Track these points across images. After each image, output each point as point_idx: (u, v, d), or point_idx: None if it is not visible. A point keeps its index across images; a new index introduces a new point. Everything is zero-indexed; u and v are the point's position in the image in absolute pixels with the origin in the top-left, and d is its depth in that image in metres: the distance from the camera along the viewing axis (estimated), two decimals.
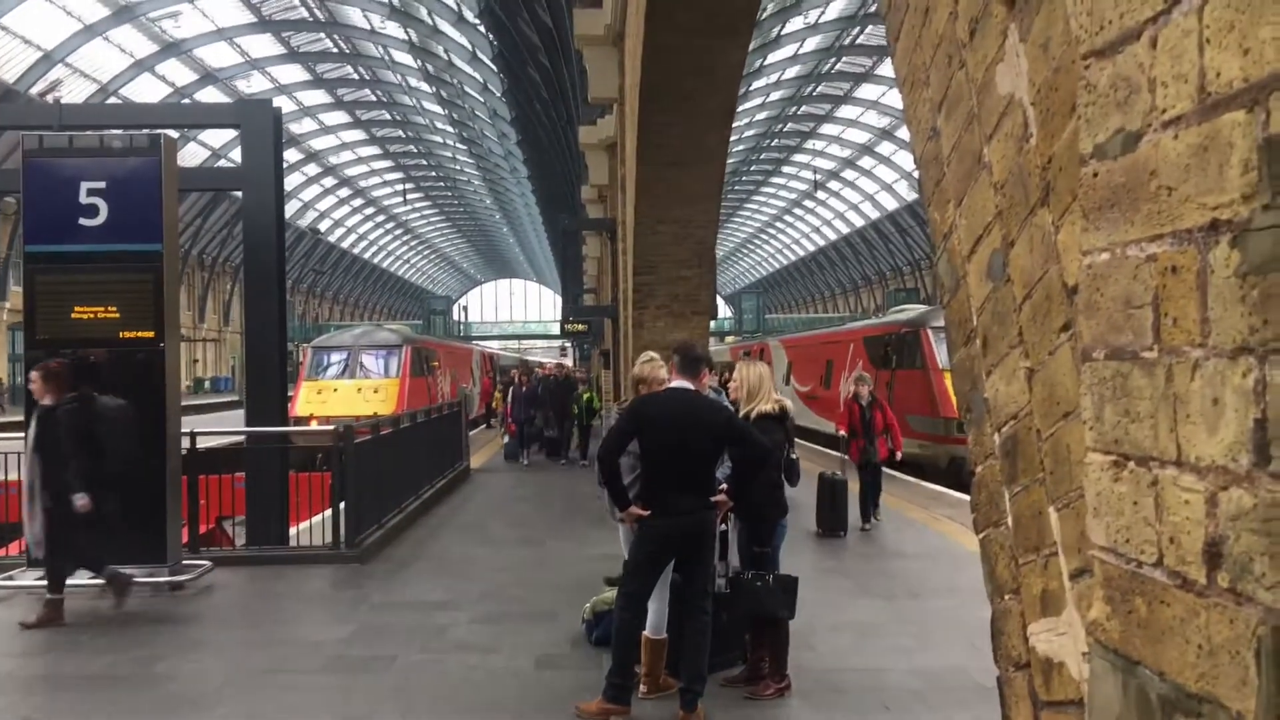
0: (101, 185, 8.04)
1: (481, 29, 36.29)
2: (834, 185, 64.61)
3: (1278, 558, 0.89)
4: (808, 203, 70.82)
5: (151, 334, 8.05)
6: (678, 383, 5.20)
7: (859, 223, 66.52)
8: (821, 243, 75.86)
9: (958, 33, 1.86)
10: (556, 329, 50.57)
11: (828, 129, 56.78)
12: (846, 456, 11.56)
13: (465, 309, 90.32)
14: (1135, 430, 1.15)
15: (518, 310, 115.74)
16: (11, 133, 23.37)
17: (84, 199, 8.02)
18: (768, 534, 5.71)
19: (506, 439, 19.59)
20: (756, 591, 5.41)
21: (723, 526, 5.65)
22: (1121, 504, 1.18)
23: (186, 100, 43.36)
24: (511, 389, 20.21)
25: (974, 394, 1.94)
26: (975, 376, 1.93)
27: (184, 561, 8.22)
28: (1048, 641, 1.61)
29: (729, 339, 56.63)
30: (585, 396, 18.99)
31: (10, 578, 7.83)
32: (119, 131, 9.22)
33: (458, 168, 69.91)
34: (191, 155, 45.85)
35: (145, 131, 8.82)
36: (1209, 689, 0.98)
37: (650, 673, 5.25)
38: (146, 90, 42.63)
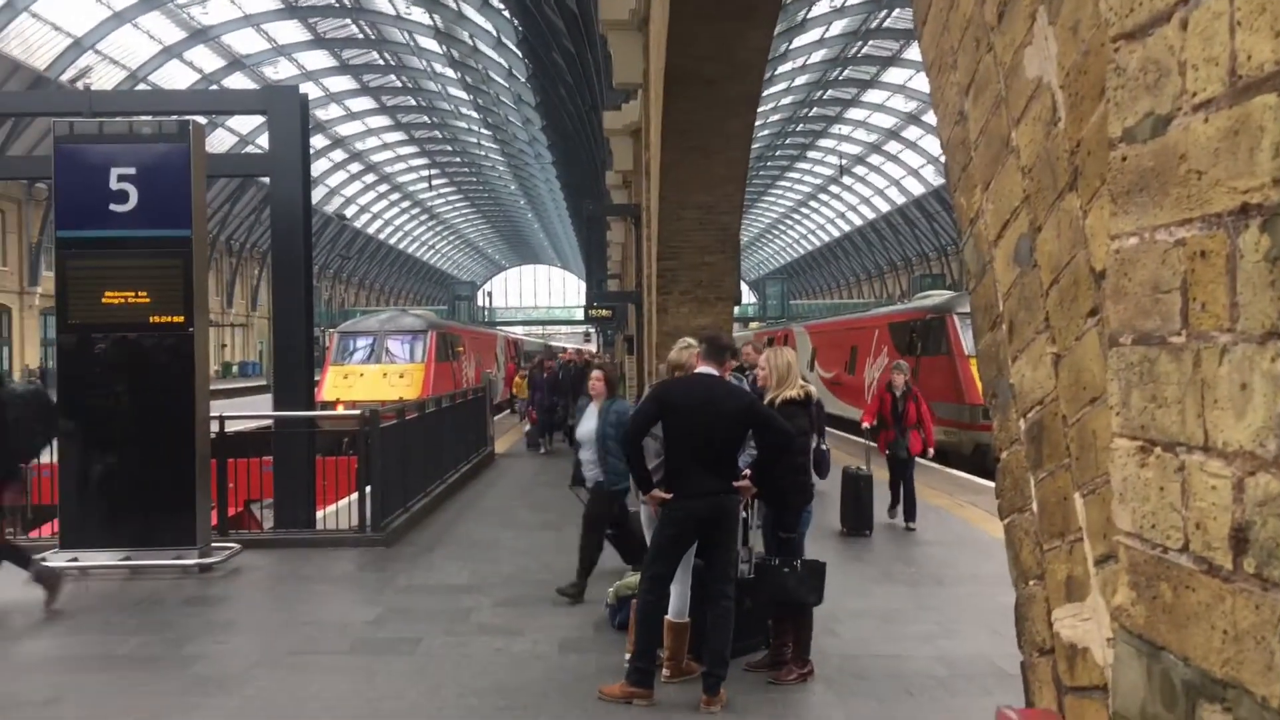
0: (131, 171, 8.12)
1: (506, 13, 36.26)
2: (860, 170, 64.18)
3: None
4: (833, 188, 70.40)
5: (181, 319, 8.13)
6: (702, 369, 5.23)
7: (885, 208, 66.07)
8: (847, 228, 75.43)
9: (986, 15, 1.85)
10: (581, 314, 50.63)
11: (854, 113, 56.37)
12: (873, 445, 10.89)
13: (490, 294, 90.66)
14: (1162, 416, 1.15)
15: (542, 296, 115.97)
16: (43, 119, 23.62)
17: (114, 185, 8.10)
18: (793, 520, 5.71)
19: (529, 426, 19.43)
20: (784, 577, 5.41)
21: (744, 513, 5.66)
22: (1148, 489, 1.18)
23: (214, 86, 43.65)
24: (532, 374, 19.88)
25: (999, 380, 1.94)
26: (1001, 362, 1.92)
27: (213, 544, 8.32)
28: (1072, 627, 1.61)
29: (753, 324, 56.47)
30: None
31: (43, 559, 7.96)
32: (148, 118, 9.30)
33: (482, 153, 70.01)
34: (219, 141, 46.16)
35: (174, 118, 8.89)
36: (1234, 674, 0.98)
37: (673, 656, 5.27)
38: (175, 76, 42.94)
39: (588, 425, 7.27)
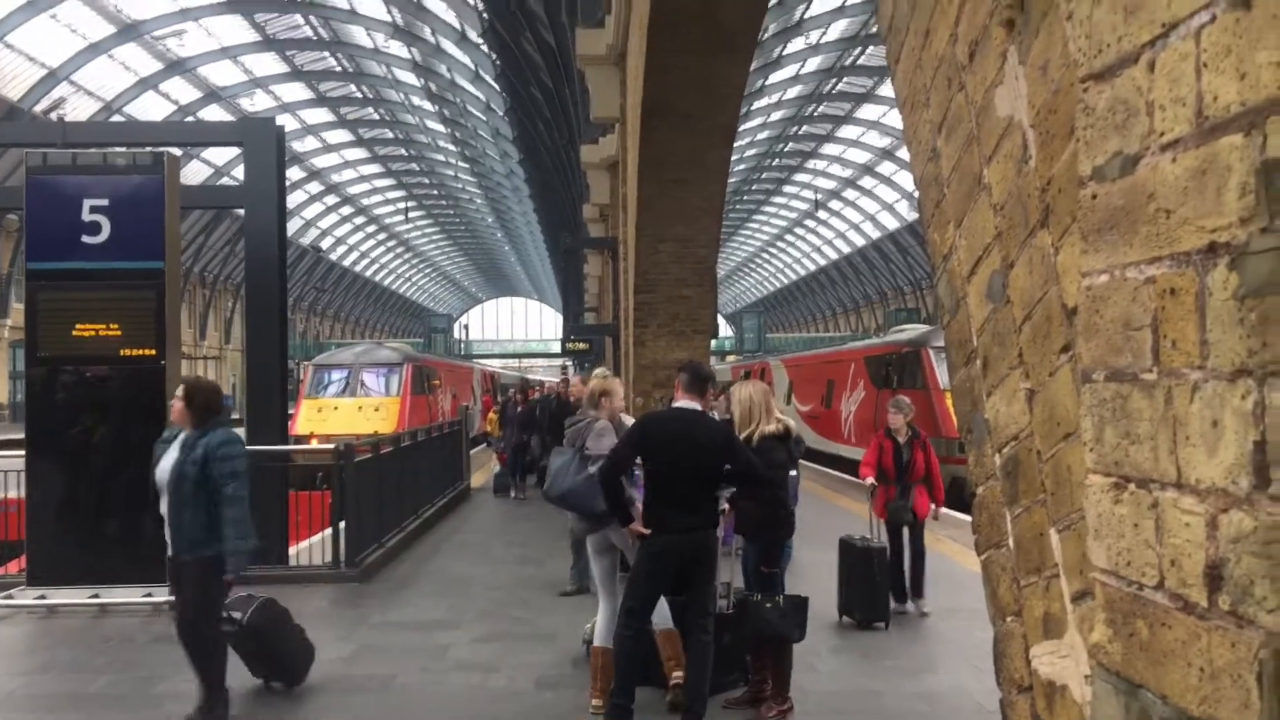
0: (104, 203, 8.08)
1: (484, 48, 36.50)
2: (835, 205, 64.78)
3: (1279, 580, 0.89)
4: (809, 222, 70.98)
5: (153, 351, 8.07)
6: (682, 402, 5.21)
7: (860, 242, 66.66)
8: (823, 262, 76.00)
9: (958, 55, 1.87)
10: (558, 347, 50.63)
11: (829, 149, 56.99)
12: (870, 507, 8.29)
13: (466, 327, 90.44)
14: (1135, 452, 1.15)
15: (519, 329, 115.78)
16: (15, 150, 23.48)
17: (87, 216, 8.05)
18: (776, 554, 5.69)
19: (497, 469, 16.92)
20: (766, 612, 5.37)
21: (724, 546, 5.64)
22: (1122, 526, 1.18)
23: (190, 118, 43.56)
24: (505, 408, 17.65)
25: (974, 415, 1.94)
26: (976, 397, 1.93)
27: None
28: (1050, 664, 1.61)
29: (730, 358, 56.62)
30: None
31: (10, 596, 7.81)
32: (122, 149, 9.27)
33: (460, 186, 70.14)
34: (194, 173, 46.00)
35: (149, 149, 8.86)
36: (1211, 712, 0.98)
37: (675, 657, 5.23)
38: (150, 108, 42.82)
39: (165, 464, 5.32)
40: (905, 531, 7.90)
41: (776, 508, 5.64)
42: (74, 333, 8.04)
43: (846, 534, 7.77)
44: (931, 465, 7.99)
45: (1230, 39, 0.96)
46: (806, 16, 37.90)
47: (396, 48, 44.81)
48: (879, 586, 7.33)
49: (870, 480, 7.92)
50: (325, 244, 68.33)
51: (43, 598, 7.78)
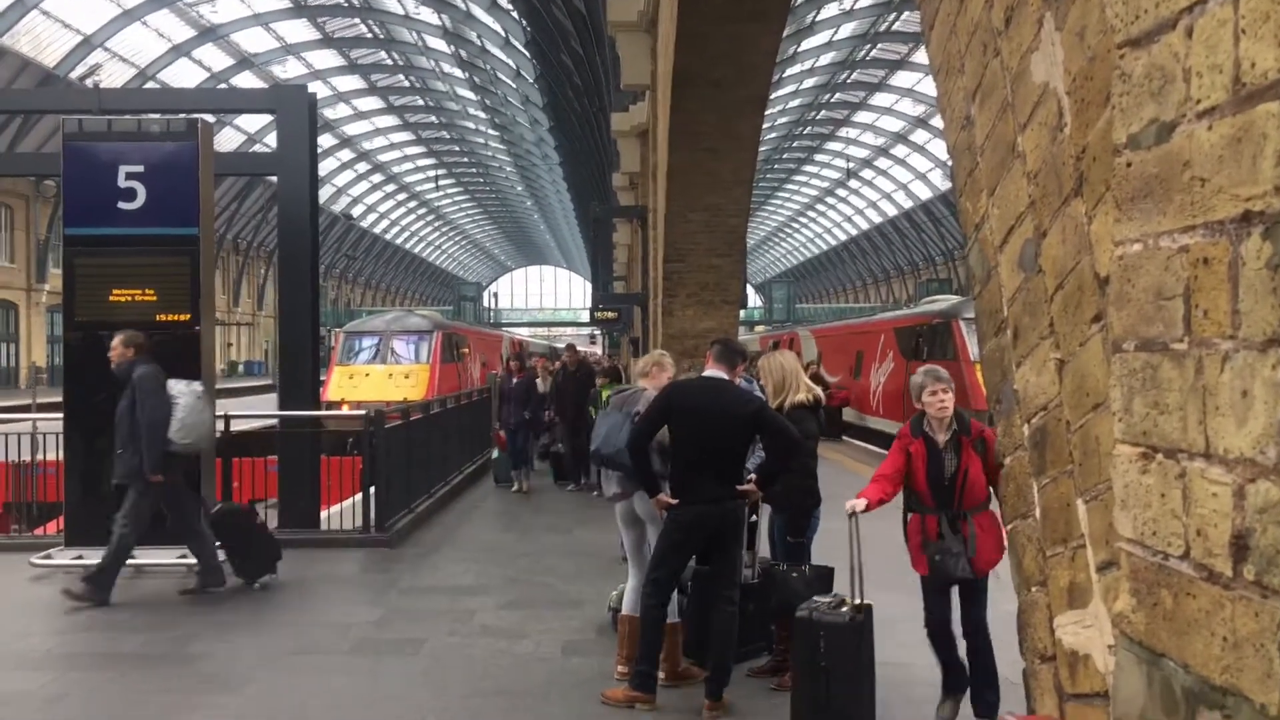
0: (139, 169, 8.13)
1: (514, 14, 36.30)
2: (867, 174, 64.10)
3: None
4: (840, 191, 70.34)
5: (188, 317, 8.15)
6: (711, 371, 5.23)
7: (892, 212, 66.00)
8: (854, 232, 75.35)
9: (993, 21, 1.85)
10: (586, 316, 50.69)
11: (862, 116, 56.31)
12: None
13: (496, 295, 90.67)
14: (1164, 422, 1.15)
15: (548, 297, 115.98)
16: (52, 116, 23.71)
17: (122, 182, 8.11)
18: (803, 524, 5.69)
19: (495, 454, 13.83)
20: (792, 582, 5.38)
21: (753, 518, 5.65)
22: (1149, 496, 1.18)
23: (223, 85, 43.74)
24: (499, 381, 14.58)
25: (1004, 385, 1.94)
26: (1005, 367, 1.92)
27: (218, 544, 8.34)
28: (1074, 634, 1.61)
29: (758, 328, 56.44)
30: (605, 394, 12.73)
31: (48, 556, 7.98)
32: (157, 116, 9.33)
33: (490, 154, 70.05)
34: (227, 140, 46.26)
35: (183, 116, 8.91)
36: (1233, 681, 0.98)
37: (668, 658, 5.26)
38: (184, 75, 43.04)
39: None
40: (955, 592, 4.84)
41: (805, 478, 5.63)
42: (110, 298, 8.13)
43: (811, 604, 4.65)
44: (989, 469, 4.55)
45: (1269, 5, 0.94)
46: None
47: (427, 14, 44.66)
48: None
49: (861, 504, 4.65)
50: (356, 211, 68.61)
51: (80, 558, 7.93)
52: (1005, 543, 4.21)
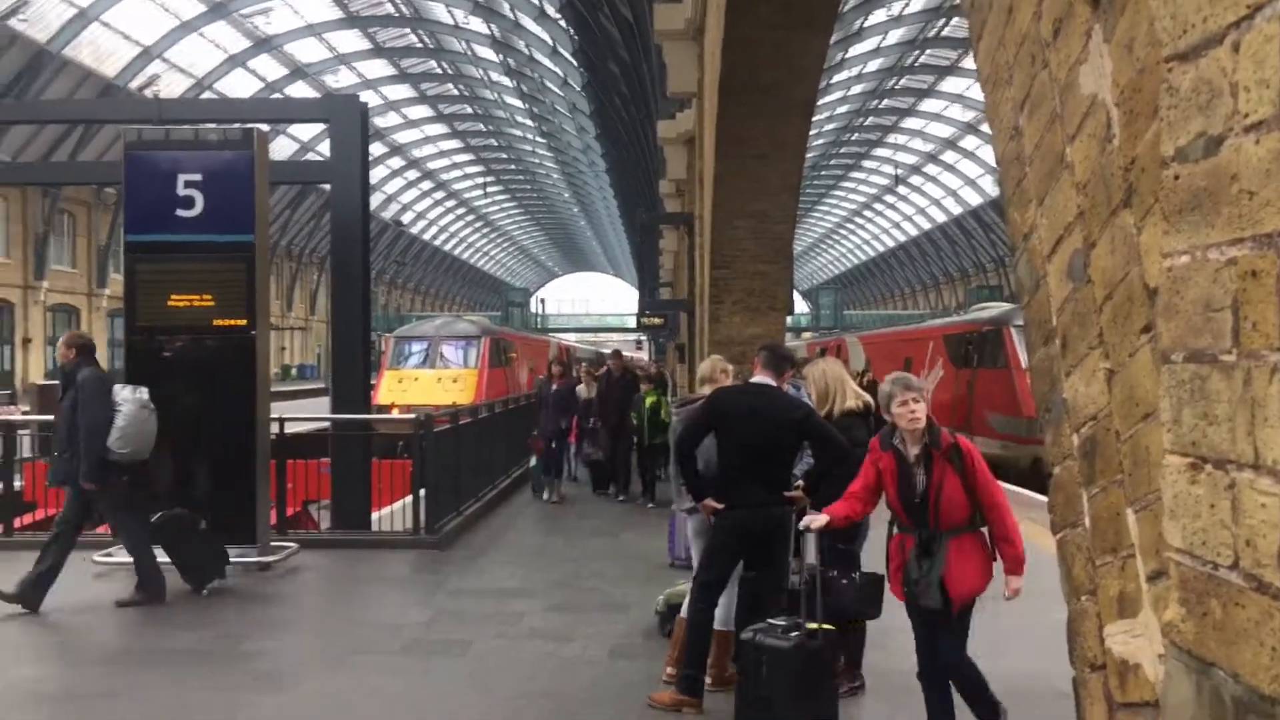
0: (198, 177, 8.33)
1: (562, 23, 36.56)
2: (916, 180, 63.55)
3: None
4: (889, 198, 69.78)
5: (244, 322, 8.32)
6: (759, 378, 5.24)
7: (941, 218, 65.34)
8: (902, 238, 74.70)
9: (1041, 32, 1.86)
10: (633, 322, 50.78)
11: (911, 123, 55.87)
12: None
13: (543, 301, 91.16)
14: (1213, 433, 1.15)
15: (594, 303, 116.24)
16: (112, 126, 24.30)
17: (181, 190, 8.32)
18: (852, 531, 5.61)
19: (533, 460, 13.10)
20: (842, 589, 5.33)
21: (801, 524, 5.64)
22: (1198, 506, 1.19)
23: (276, 94, 44.56)
24: (539, 387, 14.18)
25: (1053, 394, 1.94)
26: (1054, 377, 1.92)
27: (272, 543, 8.50)
28: (1124, 643, 1.61)
29: (805, 334, 56.16)
30: (649, 400, 12.36)
31: (109, 554, 8.19)
32: (214, 125, 9.55)
33: (537, 161, 70.56)
34: (281, 148, 47.07)
35: (239, 125, 9.12)
36: None
37: (716, 664, 5.28)
38: (239, 84, 43.92)
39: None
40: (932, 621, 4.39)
41: None
42: (169, 303, 8.33)
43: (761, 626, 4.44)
44: (983, 493, 4.26)
45: None
46: None
47: (476, 24, 45.13)
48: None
49: (820, 520, 4.51)
50: (406, 218, 69.42)
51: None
52: (988, 569, 4.18)
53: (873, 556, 5.98)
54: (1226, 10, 1.09)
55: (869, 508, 4.57)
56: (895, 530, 4.46)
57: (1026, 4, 1.92)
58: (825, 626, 4.39)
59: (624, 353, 16.23)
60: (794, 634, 4.27)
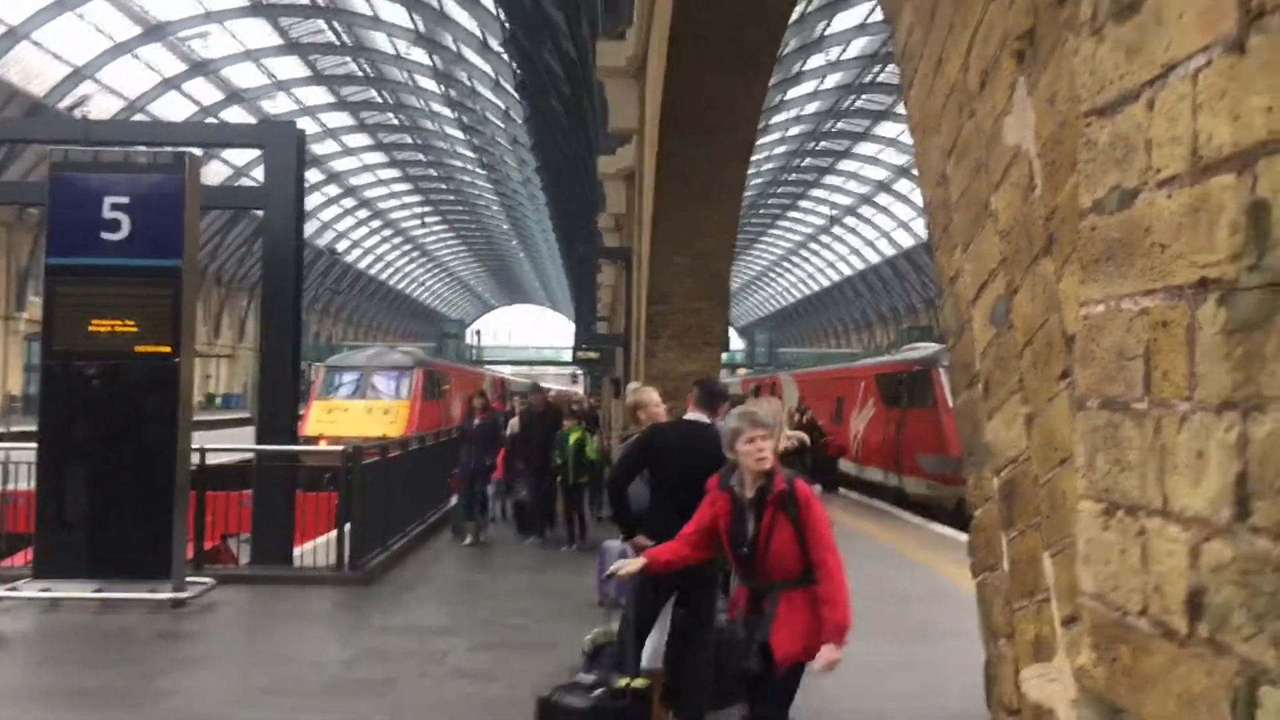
0: (125, 200, 8.14)
1: (505, 57, 36.70)
2: (850, 221, 64.79)
3: (1255, 610, 0.91)
4: (824, 238, 71.00)
5: (168, 348, 8.12)
6: (692, 415, 5.25)
7: (874, 259, 66.62)
8: (836, 278, 75.95)
9: (969, 83, 1.90)
10: (569, 356, 50.72)
11: (846, 165, 57.06)
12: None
13: (478, 333, 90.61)
14: (1125, 479, 1.17)
15: (531, 336, 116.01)
16: (37, 146, 23.69)
17: (107, 213, 8.12)
18: None
19: (453, 499, 12.45)
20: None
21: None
22: (1110, 552, 1.20)
23: (212, 119, 43.89)
24: (464, 424, 12.83)
25: (975, 437, 1.97)
26: (977, 420, 1.95)
27: (187, 579, 8.23)
28: (1039, 687, 1.63)
29: (740, 371, 56.60)
30: (574, 437, 11.76)
31: (14, 588, 7.86)
32: (144, 148, 9.35)
33: (476, 192, 70.42)
34: (214, 173, 46.31)
35: (170, 149, 8.95)
36: None
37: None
38: (173, 107, 43.17)
39: None
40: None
41: None
42: (90, 328, 8.09)
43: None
44: (812, 547, 3.81)
45: (1225, 82, 0.98)
46: (827, 33, 38.04)
47: (418, 55, 45.10)
48: None
49: (635, 565, 4.23)
50: (341, 246, 68.65)
51: (47, 590, 7.82)
52: (815, 631, 3.67)
53: None
54: (1142, 69, 1.12)
55: (700, 553, 4.16)
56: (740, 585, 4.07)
57: (955, 55, 1.96)
58: (637, 683, 4.16)
59: (557, 387, 16.08)
60: (596, 692, 4.03)
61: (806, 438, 5.98)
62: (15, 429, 21.67)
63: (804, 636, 3.79)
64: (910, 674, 6.60)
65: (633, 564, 4.17)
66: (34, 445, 8.32)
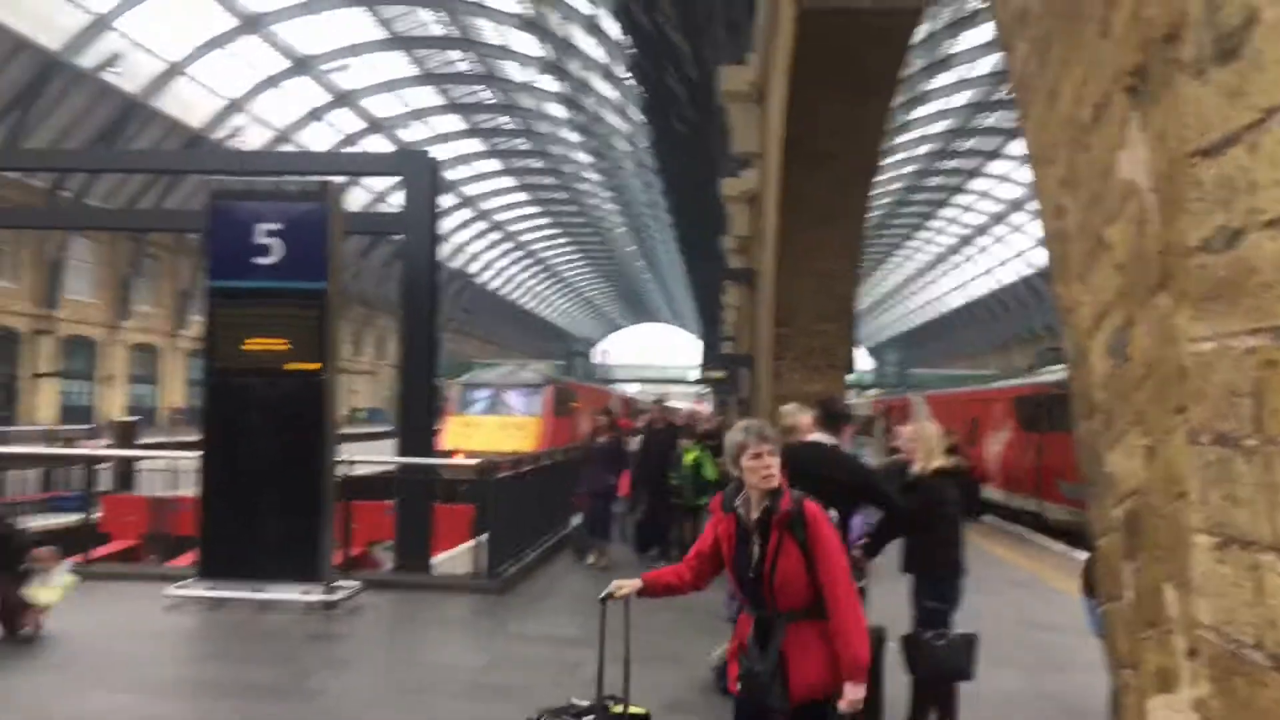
0: (276, 226, 8.67)
1: (630, 82, 37.27)
2: (983, 240, 63.03)
3: None
4: (956, 257, 69.24)
5: (317, 365, 8.58)
6: (816, 436, 5.25)
7: (1010, 279, 64.57)
8: (970, 298, 73.89)
9: (1082, 116, 1.92)
10: (695, 375, 50.79)
11: (977, 184, 55.62)
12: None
13: (605, 352, 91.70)
14: (1237, 514, 1.19)
15: (657, 355, 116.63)
16: (197, 176, 25.29)
17: (259, 239, 8.65)
18: (946, 589, 5.45)
19: (577, 518, 12.46)
20: (936, 650, 5.19)
21: (861, 583, 5.59)
22: (1225, 585, 1.22)
23: (353, 147, 45.95)
24: (585, 444, 12.93)
25: (1095, 468, 1.97)
26: (1097, 451, 1.95)
27: (336, 582, 8.66)
28: (1166, 718, 1.62)
29: (871, 391, 55.59)
30: (690, 457, 11.53)
31: (183, 587, 8.41)
32: (293, 178, 9.93)
33: (603, 214, 71.53)
34: (354, 198, 48.44)
35: (316, 178, 9.48)
36: None
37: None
38: (317, 136, 45.41)
39: None
40: None
41: (947, 546, 5.47)
42: (245, 346, 8.64)
43: None
44: (822, 575, 3.51)
45: None
46: (953, 51, 37.29)
47: (546, 82, 46.20)
48: None
49: (628, 586, 4.02)
50: (474, 268, 70.69)
51: (212, 589, 8.34)
52: (830, 667, 3.35)
53: (963, 622, 5.83)
54: (1243, 112, 1.15)
55: (701, 580, 3.88)
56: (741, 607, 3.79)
57: (1069, 87, 1.98)
58: (635, 711, 3.89)
59: (684, 406, 15.96)
60: (587, 718, 3.83)
61: (963, 462, 5.87)
62: (183, 439, 23.13)
63: (819, 669, 3.46)
64: (1048, 703, 6.41)
65: (629, 585, 3.89)
66: (198, 454, 8.90)
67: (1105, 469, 1.90)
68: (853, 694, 3.38)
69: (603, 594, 3.88)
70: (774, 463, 3.57)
